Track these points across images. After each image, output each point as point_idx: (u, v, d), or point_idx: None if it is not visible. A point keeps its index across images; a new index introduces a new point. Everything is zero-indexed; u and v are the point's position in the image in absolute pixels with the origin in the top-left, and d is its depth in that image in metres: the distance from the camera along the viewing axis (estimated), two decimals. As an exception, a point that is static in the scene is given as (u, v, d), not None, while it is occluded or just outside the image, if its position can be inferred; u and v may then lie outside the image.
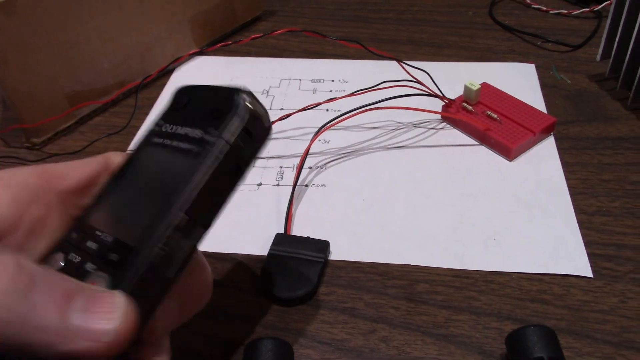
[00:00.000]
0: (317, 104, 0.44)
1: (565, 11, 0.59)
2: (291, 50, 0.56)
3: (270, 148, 0.45)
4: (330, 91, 0.51)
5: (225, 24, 0.58)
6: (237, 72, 0.54)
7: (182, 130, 0.25)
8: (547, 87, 0.50)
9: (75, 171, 0.25)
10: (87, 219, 0.25)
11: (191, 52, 0.53)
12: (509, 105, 0.45)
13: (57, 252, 0.24)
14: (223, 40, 0.58)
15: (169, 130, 0.25)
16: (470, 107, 0.45)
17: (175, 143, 0.25)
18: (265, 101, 0.50)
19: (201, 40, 0.56)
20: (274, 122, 0.44)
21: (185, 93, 0.27)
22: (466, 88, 0.45)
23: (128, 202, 0.25)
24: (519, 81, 0.50)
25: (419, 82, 0.44)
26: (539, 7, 0.60)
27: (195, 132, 0.24)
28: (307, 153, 0.41)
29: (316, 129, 0.43)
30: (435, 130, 0.46)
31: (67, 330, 0.19)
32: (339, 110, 0.47)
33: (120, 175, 0.26)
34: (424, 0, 0.63)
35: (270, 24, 0.61)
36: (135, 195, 0.25)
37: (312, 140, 0.41)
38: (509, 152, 0.42)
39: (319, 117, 0.46)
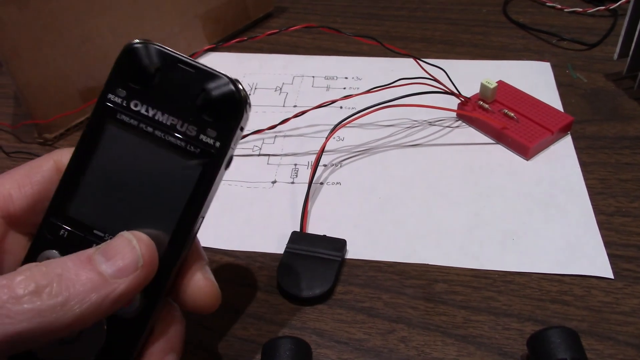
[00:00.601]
0: (333, 101, 0.43)
1: (580, 9, 0.58)
2: (304, 47, 0.56)
3: (285, 145, 0.44)
4: (344, 88, 0.50)
5: (237, 21, 0.58)
6: (249, 69, 0.53)
7: (164, 118, 0.24)
8: (563, 85, 0.49)
9: (22, 190, 0.25)
10: (67, 214, 0.24)
11: (204, 48, 0.53)
12: (526, 104, 0.45)
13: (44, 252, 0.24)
14: (235, 36, 0.58)
15: (143, 112, 0.24)
16: (486, 106, 0.45)
17: (162, 134, 0.24)
18: (278, 98, 0.49)
19: (213, 37, 0.56)
20: (288, 119, 0.43)
21: (149, 59, 0.24)
22: (482, 86, 0.45)
23: (127, 202, 0.24)
24: (535, 80, 0.50)
25: (435, 79, 0.44)
26: (554, 5, 0.60)
27: (189, 129, 0.24)
28: (322, 151, 0.41)
29: (330, 127, 0.42)
30: (450, 129, 0.45)
31: (108, 280, 0.21)
32: (353, 108, 0.46)
33: (91, 160, 0.24)
34: (436, -3, 0.63)
35: (282, 20, 0.60)
36: (133, 193, 0.24)
37: (327, 138, 0.41)
38: (526, 151, 0.42)
39: (333, 114, 0.45)
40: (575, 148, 0.43)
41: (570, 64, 0.51)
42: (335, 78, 0.52)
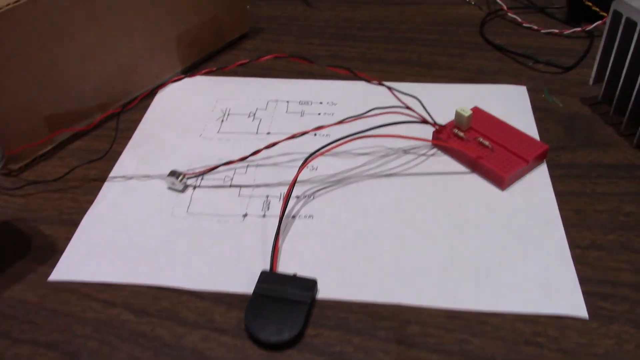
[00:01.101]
0: (305, 132, 0.42)
1: (557, 30, 0.58)
2: (279, 70, 0.55)
3: (257, 175, 0.44)
4: (319, 114, 0.50)
5: (211, 42, 0.57)
6: (222, 93, 0.52)
7: None
8: (539, 110, 0.49)
9: None
10: None
11: (176, 75, 0.52)
12: (501, 131, 0.44)
13: None
14: (210, 58, 0.57)
15: None
16: (461, 134, 0.44)
17: None
18: (251, 124, 0.49)
19: (187, 60, 0.55)
20: (259, 150, 0.42)
21: None
22: (457, 114, 0.44)
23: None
24: (511, 104, 0.49)
25: (408, 108, 0.43)
26: (530, 26, 0.59)
27: None
28: (294, 183, 0.40)
29: (304, 155, 0.42)
30: (425, 157, 0.45)
31: None
32: (327, 135, 0.46)
33: None
34: (413, 18, 0.62)
35: (257, 42, 0.59)
36: None
37: (299, 170, 0.40)
38: (501, 181, 0.41)
39: (306, 142, 0.45)
40: (551, 177, 0.43)
41: (546, 88, 0.51)
42: (309, 103, 0.51)
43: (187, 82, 0.53)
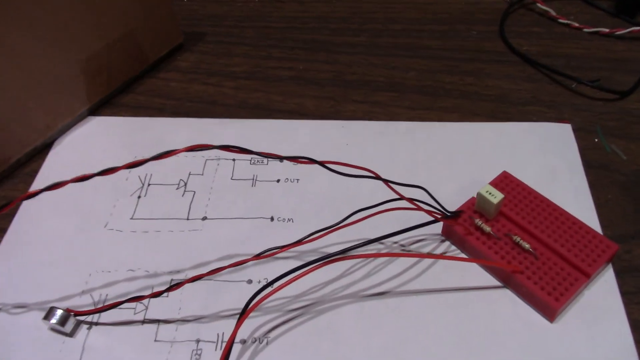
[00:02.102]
0: (257, 257, 0.28)
1: (606, 29, 0.42)
2: (224, 104, 0.40)
3: (184, 303, 0.29)
4: (278, 181, 0.35)
5: (128, 67, 0.40)
6: (140, 147, 0.37)
7: None
8: (594, 166, 0.34)
9: None
10: None
11: (80, 118, 0.37)
12: (544, 217, 0.30)
13: None
14: (128, 86, 0.41)
15: None
16: (487, 228, 0.29)
17: None
18: (180, 202, 0.34)
19: (93, 95, 0.39)
20: (182, 283, 0.27)
21: None
22: (481, 198, 0.29)
23: None
24: (551, 155, 0.35)
25: (410, 201, 0.28)
26: (568, 22, 0.43)
27: None
28: (240, 325, 0.25)
29: (255, 275, 0.27)
30: (433, 261, 0.30)
31: None
32: (290, 220, 0.31)
33: None
34: (406, 14, 0.46)
35: (195, 56, 0.43)
36: None
37: (246, 314, 0.26)
38: (550, 312, 0.27)
39: (259, 234, 0.30)
40: (622, 294, 0.28)
41: (599, 127, 0.36)
42: (265, 162, 0.36)
43: (95, 125, 0.38)
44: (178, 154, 0.24)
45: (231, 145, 0.24)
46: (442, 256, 0.29)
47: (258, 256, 0.27)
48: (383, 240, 0.30)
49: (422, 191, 0.29)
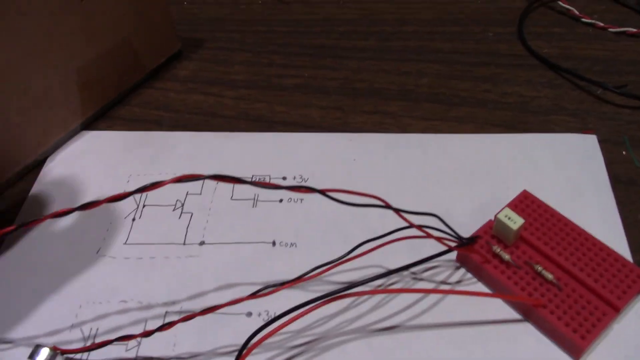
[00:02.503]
0: (253, 296, 0.25)
1: (634, 29, 0.39)
2: (222, 116, 0.37)
3: (177, 340, 0.27)
4: (280, 201, 0.32)
5: (124, 76, 0.38)
6: (137, 164, 0.35)
7: None
8: (622, 182, 0.31)
9: None
10: None
11: (74, 132, 0.35)
12: (568, 242, 0.27)
13: None
14: (124, 98, 0.39)
15: None
16: (506, 256, 0.27)
17: None
18: (177, 224, 0.32)
19: (88, 108, 0.37)
20: (172, 324, 0.25)
21: None
22: (500, 223, 0.27)
23: None
24: (575, 170, 0.32)
25: (420, 229, 0.26)
26: (592, 21, 0.40)
27: None
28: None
29: (252, 312, 0.25)
30: (446, 285, 0.28)
31: None
32: (289, 244, 0.29)
33: None
34: (418, 15, 0.43)
35: (194, 64, 0.41)
36: None
37: (244, 355, 0.24)
38: (577, 351, 0.25)
39: (260, 257, 0.28)
40: (655, 327, 0.26)
41: (626, 137, 0.33)
42: (266, 179, 0.34)
43: (88, 141, 0.36)
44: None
45: (222, 174, 0.22)
46: (453, 291, 0.27)
47: (254, 295, 0.24)
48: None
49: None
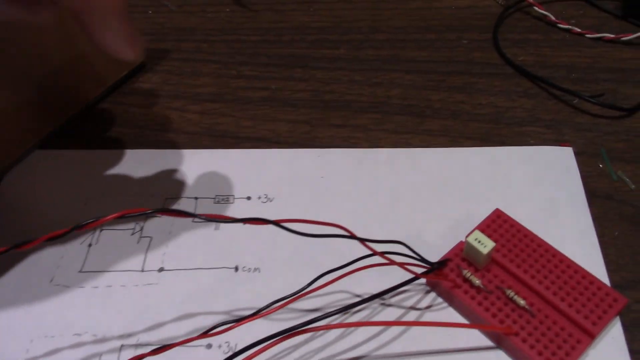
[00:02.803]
0: (214, 333, 0.24)
1: (611, 35, 0.38)
2: (187, 131, 0.36)
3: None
4: (244, 224, 0.31)
5: (83, 92, 0.37)
6: (93, 183, 0.33)
7: None
8: (599, 197, 0.30)
9: None
10: None
11: (29, 153, 0.33)
12: (541, 264, 0.26)
13: None
14: (83, 115, 0.37)
15: None
16: (476, 281, 0.26)
17: None
18: (135, 249, 0.30)
19: (45, 126, 0.35)
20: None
21: None
22: (469, 247, 0.26)
23: None
24: (550, 185, 0.31)
25: (384, 257, 0.24)
26: (569, 27, 0.39)
27: None
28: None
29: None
30: (416, 311, 0.26)
31: None
32: (254, 271, 0.27)
33: None
34: (391, 21, 0.42)
35: (159, 75, 0.40)
36: None
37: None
38: (550, 382, 0.23)
39: (225, 283, 0.27)
40: (631, 353, 0.25)
41: (604, 149, 0.32)
42: (230, 200, 0.32)
43: (43, 161, 0.35)
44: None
45: (167, 208, 0.21)
46: (421, 323, 0.26)
47: (205, 334, 0.23)
48: (358, 292, 0.27)
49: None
